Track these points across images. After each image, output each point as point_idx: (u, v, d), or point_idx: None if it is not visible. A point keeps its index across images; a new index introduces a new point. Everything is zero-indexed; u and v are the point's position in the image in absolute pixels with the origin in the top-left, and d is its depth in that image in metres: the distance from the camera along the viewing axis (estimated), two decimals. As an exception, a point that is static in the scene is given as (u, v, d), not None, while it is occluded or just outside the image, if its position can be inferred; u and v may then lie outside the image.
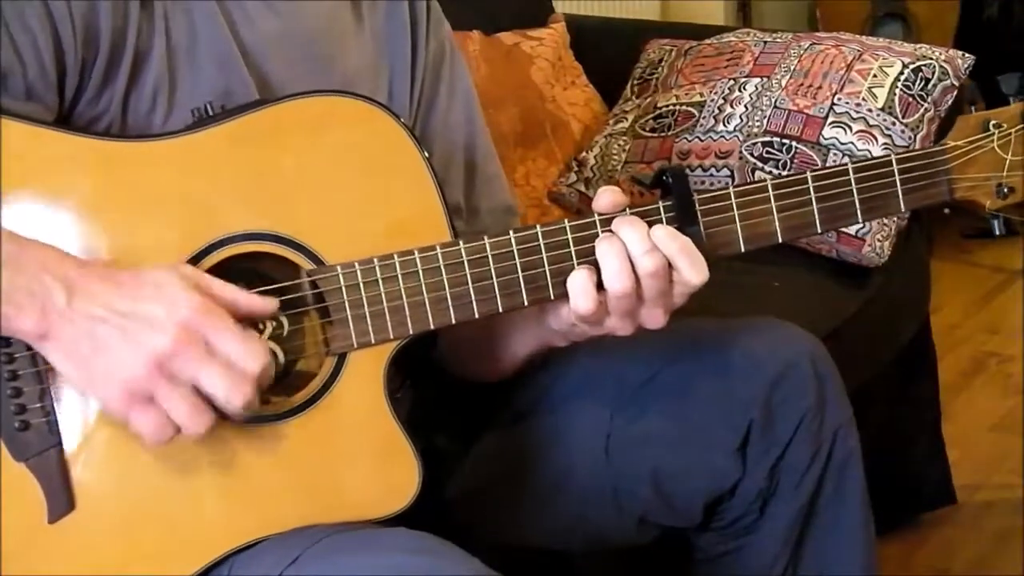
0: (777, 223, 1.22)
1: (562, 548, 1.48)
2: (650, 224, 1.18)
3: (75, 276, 1.04)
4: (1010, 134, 1.27)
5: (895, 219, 2.11)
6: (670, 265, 1.17)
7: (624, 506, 1.35)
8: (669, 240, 1.17)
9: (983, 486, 2.61)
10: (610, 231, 1.18)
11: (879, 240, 2.08)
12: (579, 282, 1.17)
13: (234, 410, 1.07)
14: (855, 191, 1.23)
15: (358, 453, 1.17)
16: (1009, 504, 2.53)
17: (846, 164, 1.23)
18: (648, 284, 1.17)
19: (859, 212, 1.24)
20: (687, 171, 2.13)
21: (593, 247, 1.18)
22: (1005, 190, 1.28)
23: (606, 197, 1.19)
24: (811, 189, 1.22)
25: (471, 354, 1.38)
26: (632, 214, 1.19)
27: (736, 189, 1.21)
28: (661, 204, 1.20)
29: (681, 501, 1.35)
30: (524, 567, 1.31)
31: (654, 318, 1.20)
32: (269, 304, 1.11)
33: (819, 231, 1.24)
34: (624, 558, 1.59)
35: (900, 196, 1.25)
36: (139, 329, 1.03)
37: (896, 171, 1.25)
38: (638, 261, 1.17)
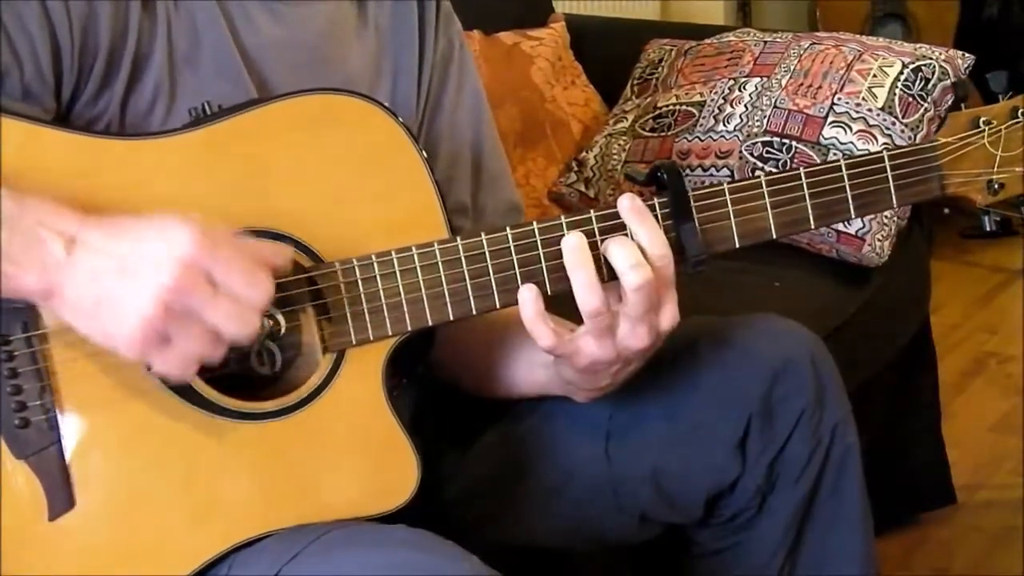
0: (771, 219, 1.23)
1: (563, 547, 1.48)
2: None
3: (74, 228, 1.02)
4: (1000, 131, 1.28)
5: (895, 219, 2.11)
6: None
7: (625, 505, 1.35)
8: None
9: (983, 486, 2.61)
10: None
11: (879, 240, 2.08)
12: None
13: (242, 342, 1.05)
14: (848, 187, 1.24)
15: (357, 450, 1.17)
16: (1009, 504, 2.53)
17: (838, 160, 1.24)
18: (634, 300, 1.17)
19: (852, 208, 1.25)
20: (683, 168, 2.14)
21: (590, 242, 1.18)
22: (996, 186, 1.29)
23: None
24: (804, 185, 1.23)
25: (469, 370, 1.39)
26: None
27: (730, 185, 1.22)
28: (656, 200, 1.20)
29: (681, 499, 1.35)
30: (524, 566, 1.31)
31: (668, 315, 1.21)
32: (284, 251, 1.10)
33: (812, 227, 1.24)
34: (623, 554, 1.59)
35: (892, 192, 1.26)
36: (140, 269, 1.01)
37: (888, 167, 1.25)
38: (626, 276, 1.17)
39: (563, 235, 1.18)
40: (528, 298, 1.16)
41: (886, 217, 2.07)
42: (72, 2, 1.14)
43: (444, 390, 1.43)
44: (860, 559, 1.38)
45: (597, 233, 1.19)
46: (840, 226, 2.07)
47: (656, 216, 1.20)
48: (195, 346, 1.03)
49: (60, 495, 1.10)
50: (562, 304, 1.20)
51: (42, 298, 1.04)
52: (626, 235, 1.19)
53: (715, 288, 1.63)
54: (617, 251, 1.17)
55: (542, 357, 1.26)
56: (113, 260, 1.02)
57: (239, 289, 1.03)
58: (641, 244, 1.18)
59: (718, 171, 2.16)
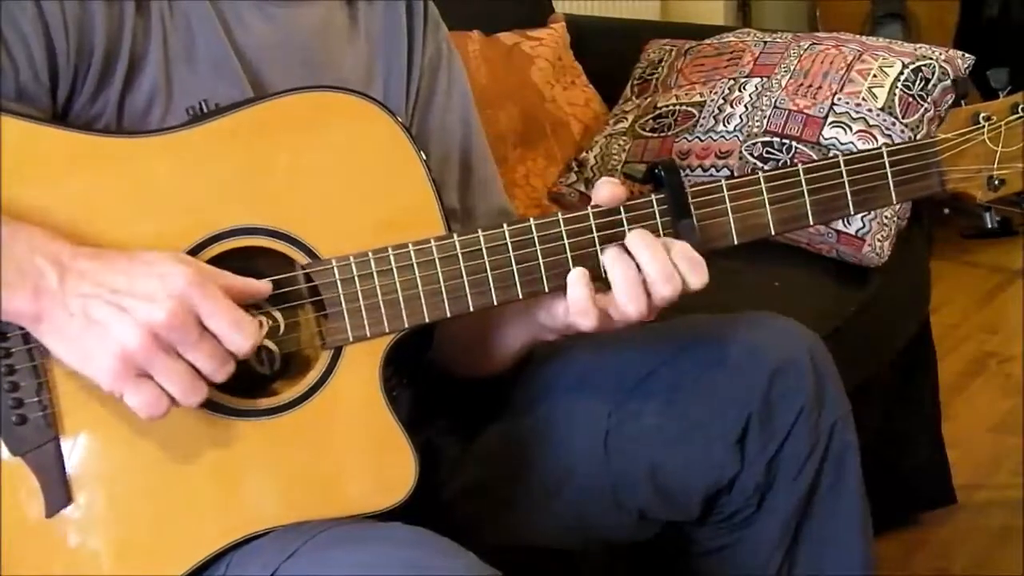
0: (770, 215, 1.23)
1: (562, 546, 1.48)
2: (645, 220, 1.19)
3: (66, 257, 1.04)
4: (1000, 127, 1.28)
5: (895, 219, 2.11)
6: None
7: (623, 502, 1.35)
8: (683, 257, 1.19)
9: (983, 486, 2.61)
10: (622, 245, 1.19)
11: (879, 240, 2.08)
12: (579, 303, 1.19)
13: (218, 381, 1.07)
14: (847, 183, 1.25)
15: (354, 447, 1.17)
16: (1009, 504, 2.53)
17: (837, 157, 1.24)
18: (660, 303, 1.19)
19: (851, 204, 1.25)
20: (683, 169, 2.14)
21: (586, 240, 1.19)
22: (996, 182, 1.29)
23: (605, 189, 1.20)
24: (803, 181, 1.23)
25: (464, 351, 1.38)
26: (626, 205, 1.20)
27: (728, 182, 1.22)
28: (654, 197, 1.21)
29: (680, 496, 1.35)
30: (524, 565, 1.31)
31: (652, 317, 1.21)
32: (263, 287, 1.11)
33: (811, 223, 1.24)
34: (623, 552, 1.59)
35: (892, 188, 1.26)
36: (134, 303, 1.03)
37: (887, 163, 1.26)
38: (655, 287, 1.18)
39: (560, 231, 1.19)
40: (578, 283, 1.18)
41: (886, 217, 2.07)
42: (67, 3, 1.14)
43: (443, 388, 1.43)
44: (858, 557, 1.38)
45: (595, 230, 1.20)
46: (840, 226, 2.07)
47: (655, 213, 1.21)
48: (174, 383, 1.05)
49: (57, 492, 1.10)
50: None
51: (31, 322, 1.05)
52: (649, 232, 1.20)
53: (715, 288, 1.62)
54: (649, 262, 1.18)
55: (522, 315, 1.28)
56: (104, 290, 1.04)
57: (225, 332, 1.06)
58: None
59: (718, 171, 2.15)
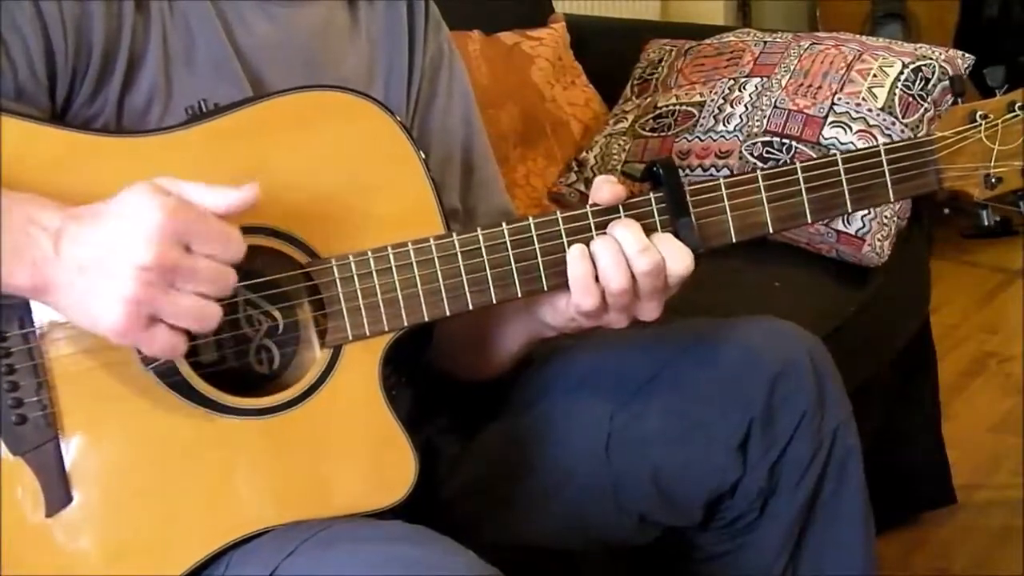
0: (768, 213, 1.24)
1: (562, 547, 1.48)
2: (643, 219, 1.20)
3: (59, 223, 1.02)
4: (997, 125, 1.29)
5: (895, 219, 2.11)
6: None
7: (624, 505, 1.35)
8: (664, 241, 1.20)
9: (983, 486, 2.61)
10: (604, 232, 1.19)
11: (879, 240, 2.08)
12: (581, 279, 1.18)
13: (223, 295, 1.05)
14: (844, 181, 1.25)
15: (354, 445, 1.18)
16: (1009, 504, 2.53)
17: (835, 155, 1.25)
18: (644, 281, 1.18)
19: (849, 202, 1.25)
20: (683, 169, 2.14)
21: (585, 239, 1.19)
22: (993, 180, 1.29)
23: (605, 188, 1.20)
24: (801, 180, 1.24)
25: (463, 351, 1.38)
26: (624, 204, 1.20)
27: (726, 180, 1.23)
28: (652, 196, 1.21)
29: (681, 500, 1.35)
30: (524, 565, 1.31)
31: (649, 311, 1.21)
32: (247, 193, 1.06)
33: (809, 221, 1.25)
34: (625, 557, 1.59)
35: (889, 186, 1.27)
36: (121, 250, 1.00)
37: (884, 161, 1.26)
38: (633, 260, 1.18)
39: (559, 230, 1.19)
40: (579, 258, 1.19)
41: (886, 217, 2.08)
42: (65, 2, 1.14)
43: (442, 388, 1.43)
44: (861, 561, 1.38)
45: (593, 228, 1.20)
46: (840, 226, 2.07)
47: (653, 212, 1.21)
48: (183, 319, 1.02)
49: (57, 491, 1.10)
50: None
51: (33, 294, 1.04)
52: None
53: (715, 288, 1.63)
54: (625, 235, 1.19)
55: (521, 313, 1.28)
56: (92, 248, 1.01)
57: (217, 249, 1.03)
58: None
59: (718, 171, 2.15)
